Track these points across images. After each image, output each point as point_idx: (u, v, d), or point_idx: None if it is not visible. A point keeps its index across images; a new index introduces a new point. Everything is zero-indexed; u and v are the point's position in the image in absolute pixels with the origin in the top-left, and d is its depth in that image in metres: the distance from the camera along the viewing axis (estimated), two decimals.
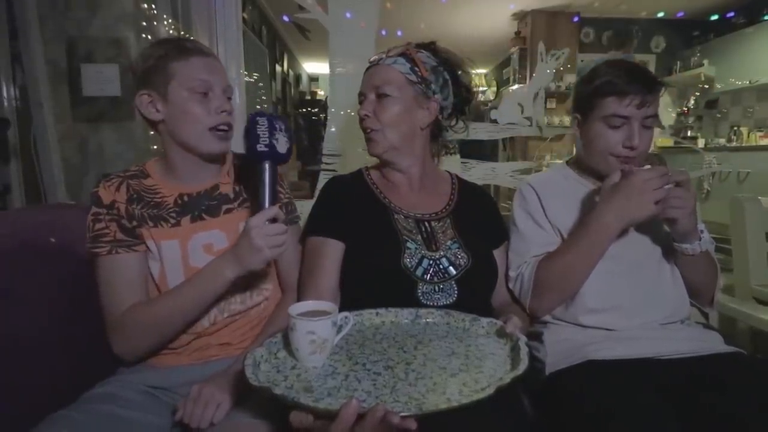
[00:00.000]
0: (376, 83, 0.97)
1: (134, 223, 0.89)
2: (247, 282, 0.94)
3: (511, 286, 1.03)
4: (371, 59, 1.01)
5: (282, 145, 0.84)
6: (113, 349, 0.87)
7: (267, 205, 0.82)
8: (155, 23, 1.84)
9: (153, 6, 1.83)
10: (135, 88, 0.90)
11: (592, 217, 0.93)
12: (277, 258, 0.95)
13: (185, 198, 0.93)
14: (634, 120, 0.94)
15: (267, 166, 0.83)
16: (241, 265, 0.82)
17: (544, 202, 1.05)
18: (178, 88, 0.87)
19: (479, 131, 1.85)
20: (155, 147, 1.87)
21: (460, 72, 1.03)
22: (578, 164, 1.10)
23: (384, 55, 0.98)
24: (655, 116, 0.96)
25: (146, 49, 0.91)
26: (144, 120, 0.93)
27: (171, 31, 1.90)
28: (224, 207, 0.95)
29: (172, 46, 0.88)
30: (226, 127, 0.90)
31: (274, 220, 0.81)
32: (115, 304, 0.86)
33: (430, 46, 1.02)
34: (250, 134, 0.82)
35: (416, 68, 0.96)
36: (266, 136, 0.82)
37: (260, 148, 0.82)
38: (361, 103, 1.00)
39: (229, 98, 0.92)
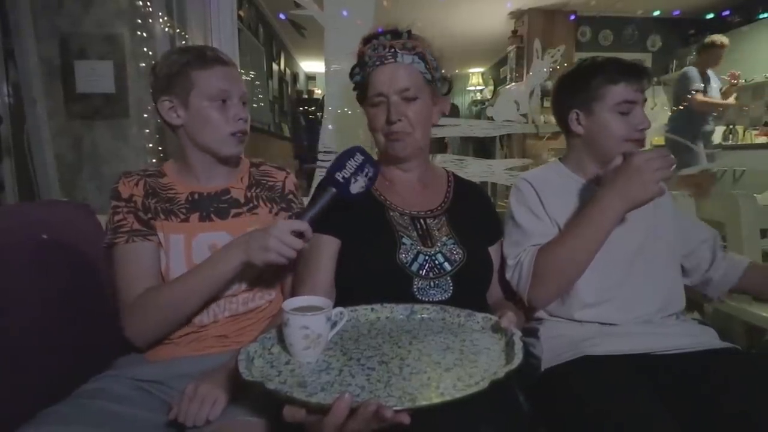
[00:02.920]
0: (403, 85, 0.93)
1: (149, 215, 0.93)
2: (253, 284, 0.96)
3: (508, 276, 1.01)
4: (375, 52, 0.95)
5: (356, 187, 0.88)
6: (126, 332, 0.89)
7: (304, 219, 0.84)
8: (150, 20, 1.83)
9: (148, 3, 1.82)
10: (155, 93, 0.95)
11: (594, 200, 0.92)
12: (283, 266, 0.96)
13: (196, 196, 0.97)
14: (638, 104, 0.99)
15: (331, 193, 0.86)
16: (246, 254, 0.84)
17: (541, 196, 1.05)
18: (199, 96, 0.91)
19: (476, 129, 1.85)
20: (150, 145, 1.86)
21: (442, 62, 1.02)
22: (573, 161, 1.10)
23: (396, 51, 0.94)
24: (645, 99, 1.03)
25: (169, 55, 0.96)
26: (162, 122, 0.98)
27: (166, 29, 1.89)
28: (233, 211, 0.98)
29: (195, 54, 0.93)
30: (242, 133, 0.95)
31: (301, 235, 0.82)
32: (130, 290, 0.89)
33: (412, 36, 0.98)
34: (341, 160, 0.87)
35: (428, 66, 0.96)
36: (352, 171, 0.87)
37: (338, 176, 0.86)
38: (377, 104, 0.95)
39: (244, 104, 0.96)
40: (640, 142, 1.00)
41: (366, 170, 0.89)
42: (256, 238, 0.83)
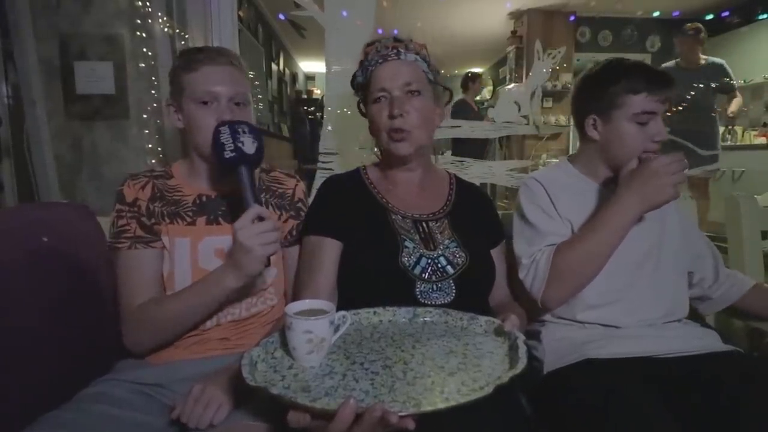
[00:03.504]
0: (407, 79, 0.93)
1: (153, 220, 0.92)
2: (256, 290, 0.95)
3: (522, 275, 0.98)
4: (379, 51, 0.96)
5: (249, 145, 0.84)
6: (124, 341, 0.90)
7: (250, 205, 0.82)
8: (150, 21, 1.82)
9: (147, 3, 1.81)
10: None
11: (612, 201, 0.93)
12: (280, 263, 0.99)
13: (204, 199, 0.96)
14: (658, 115, 0.96)
15: (241, 170, 0.83)
16: (238, 271, 0.82)
17: (552, 195, 1.04)
18: (188, 100, 0.91)
19: (477, 130, 1.85)
20: (150, 146, 1.85)
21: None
22: (583, 163, 1.08)
23: (399, 49, 0.95)
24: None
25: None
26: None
27: (166, 29, 1.88)
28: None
29: (186, 58, 0.92)
30: None
31: (261, 219, 0.80)
32: (130, 298, 0.89)
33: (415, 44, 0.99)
34: (216, 145, 0.84)
35: (430, 67, 0.97)
36: (230, 141, 0.83)
37: (227, 155, 0.83)
38: (378, 100, 0.95)
39: (238, 104, 0.93)
40: (655, 153, 0.98)
41: (240, 128, 0.85)
42: (235, 253, 0.81)
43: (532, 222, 1.02)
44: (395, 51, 0.95)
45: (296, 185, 1.06)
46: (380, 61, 0.95)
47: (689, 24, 3.22)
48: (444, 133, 1.82)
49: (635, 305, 0.97)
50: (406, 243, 0.92)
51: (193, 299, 0.86)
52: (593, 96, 1.01)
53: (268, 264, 0.82)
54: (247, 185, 0.83)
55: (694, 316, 1.09)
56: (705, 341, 0.94)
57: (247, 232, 0.78)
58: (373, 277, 0.90)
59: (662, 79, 0.96)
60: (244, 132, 0.84)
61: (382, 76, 0.94)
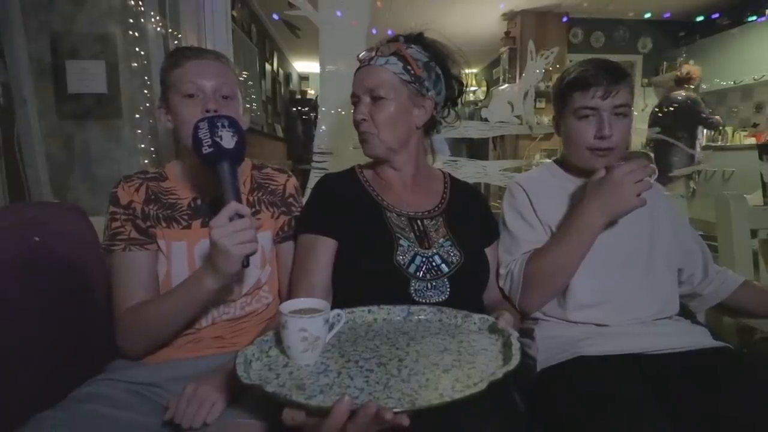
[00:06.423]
0: (370, 86, 0.95)
1: (148, 223, 0.92)
2: (251, 289, 0.95)
3: (501, 284, 1.04)
4: (360, 57, 1.00)
5: (227, 140, 0.81)
6: (118, 343, 0.90)
7: (229, 201, 0.79)
8: (142, 20, 1.81)
9: (140, 2, 1.80)
10: None
11: (577, 212, 0.95)
12: (273, 261, 0.99)
13: (198, 202, 0.96)
14: (602, 111, 0.97)
15: (221, 165, 0.80)
16: (215, 272, 0.79)
17: (533, 200, 1.06)
18: (174, 94, 0.90)
19: (470, 129, 1.85)
20: (143, 146, 1.84)
21: (450, 63, 1.03)
22: (565, 162, 1.11)
23: (374, 54, 0.97)
24: (626, 105, 0.98)
25: None
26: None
27: (158, 29, 1.87)
28: None
29: (173, 56, 0.92)
30: None
31: (240, 217, 0.77)
32: (124, 300, 0.89)
33: (420, 39, 1.01)
34: (195, 142, 0.81)
35: (409, 67, 0.95)
36: (208, 137, 0.80)
37: (205, 150, 0.80)
38: (354, 104, 0.99)
39: (226, 97, 0.92)
40: (606, 151, 0.98)
41: (219, 123, 0.82)
42: (212, 253, 0.78)
43: (511, 229, 1.05)
44: (371, 56, 0.97)
45: (287, 180, 1.06)
46: (358, 67, 1.00)
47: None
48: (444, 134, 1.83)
49: (627, 304, 0.98)
50: (401, 241, 0.92)
51: (176, 302, 0.85)
52: (553, 95, 1.08)
53: (246, 265, 0.79)
54: (228, 181, 0.80)
55: (685, 313, 1.10)
56: (696, 338, 0.95)
57: (221, 231, 0.75)
58: (367, 275, 0.90)
59: (597, 76, 0.96)
60: (223, 126, 0.81)
61: (354, 82, 1.00)
